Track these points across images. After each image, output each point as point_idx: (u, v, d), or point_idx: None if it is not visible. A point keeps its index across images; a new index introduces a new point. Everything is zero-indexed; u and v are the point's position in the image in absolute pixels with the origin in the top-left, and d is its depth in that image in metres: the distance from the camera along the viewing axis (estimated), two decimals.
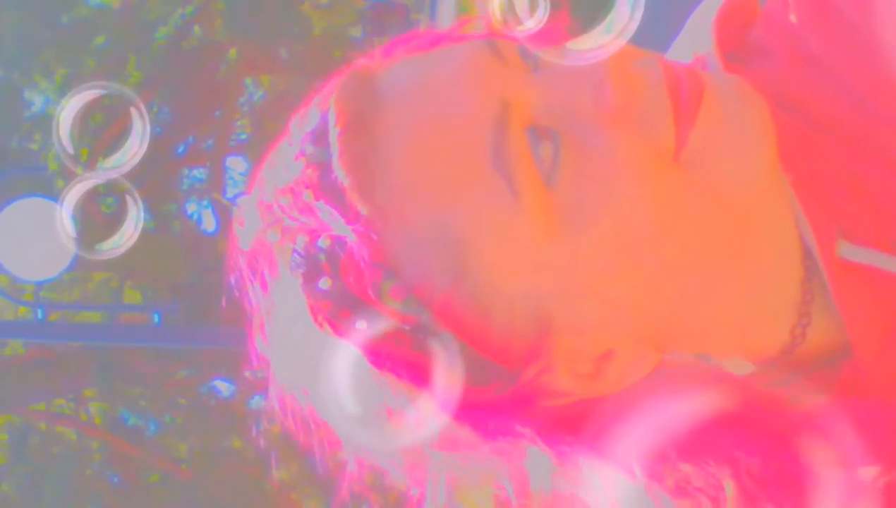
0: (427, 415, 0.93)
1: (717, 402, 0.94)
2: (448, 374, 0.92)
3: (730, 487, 0.95)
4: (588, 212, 0.90)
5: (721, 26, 1.00)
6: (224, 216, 10.42)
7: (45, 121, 10.18)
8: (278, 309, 0.96)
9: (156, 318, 6.63)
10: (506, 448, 0.95)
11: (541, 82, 0.92)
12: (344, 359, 0.93)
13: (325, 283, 0.91)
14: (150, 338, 7.03)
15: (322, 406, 0.95)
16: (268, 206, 0.95)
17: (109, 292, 10.56)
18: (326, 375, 0.94)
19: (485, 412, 0.94)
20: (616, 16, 0.88)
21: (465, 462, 0.97)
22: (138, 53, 9.97)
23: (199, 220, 10.56)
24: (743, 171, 0.92)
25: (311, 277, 0.92)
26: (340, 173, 0.91)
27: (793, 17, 1.00)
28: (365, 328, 0.92)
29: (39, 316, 6.71)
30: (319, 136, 0.93)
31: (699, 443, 0.94)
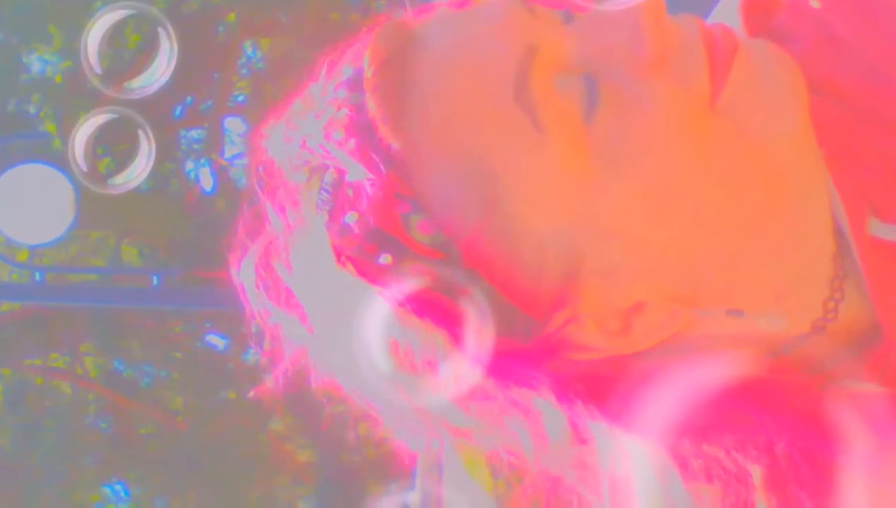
0: (451, 361, 0.91)
1: (746, 383, 0.91)
2: (473, 317, 0.90)
3: (757, 472, 0.93)
4: (625, 152, 0.89)
5: (746, 12, 1.00)
6: (222, 176, 10.43)
7: (42, 85, 10.16)
8: (299, 251, 0.94)
9: (155, 281, 6.64)
10: (523, 401, 0.92)
11: (574, 33, 0.91)
12: (365, 303, 0.91)
13: (351, 218, 0.90)
14: (149, 300, 7.01)
15: (341, 355, 0.93)
16: (296, 147, 0.93)
17: (107, 250, 10.53)
18: (347, 322, 0.91)
19: (506, 360, 0.91)
20: None
21: (479, 413, 0.93)
22: (137, 17, 9.85)
23: (198, 180, 10.54)
24: (777, 124, 0.91)
25: (337, 213, 0.91)
26: (372, 107, 0.91)
27: (815, 2, 0.99)
28: (390, 263, 0.90)
29: (37, 278, 6.72)
30: (353, 83, 0.93)
31: (726, 424, 0.92)
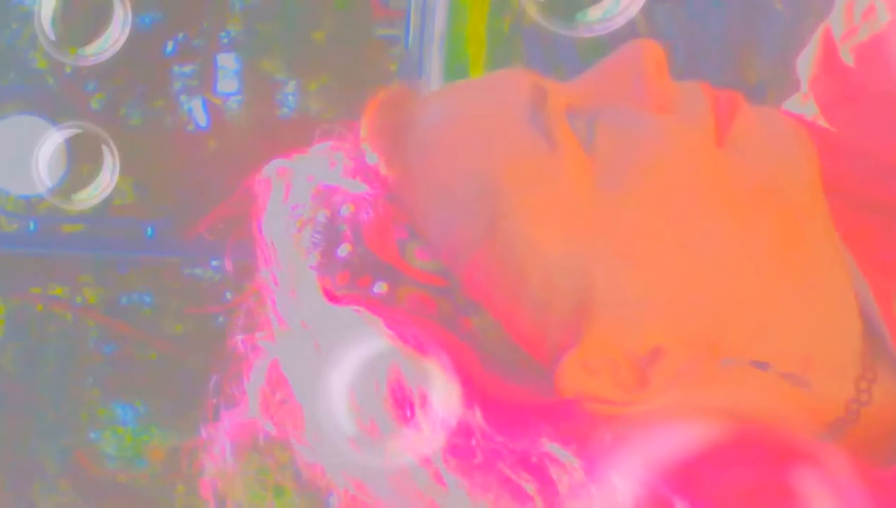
0: (445, 405, 0.84)
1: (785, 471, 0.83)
2: (472, 355, 0.84)
3: None
4: (627, 176, 0.85)
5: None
6: (215, 113, 10.48)
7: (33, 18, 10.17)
8: (286, 308, 0.90)
9: (149, 232, 6.68)
10: (521, 454, 0.84)
11: (574, 85, 0.90)
12: (359, 345, 0.85)
13: (343, 250, 0.86)
14: (144, 250, 6.96)
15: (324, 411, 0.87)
16: (287, 206, 0.90)
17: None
18: (332, 376, 0.86)
19: (505, 409, 0.85)
20: None
21: (474, 469, 0.85)
22: None
23: (191, 116, 10.60)
24: (788, 167, 0.88)
25: (329, 250, 0.87)
26: (368, 140, 0.89)
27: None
28: (385, 292, 0.85)
29: (31, 227, 6.81)
30: (351, 140, 0.91)
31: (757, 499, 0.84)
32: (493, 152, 0.87)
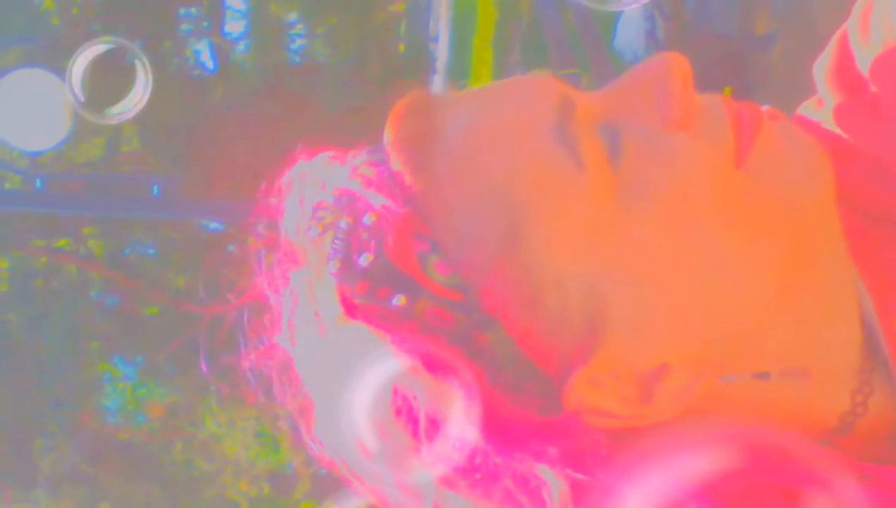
0: (457, 420, 0.86)
1: (777, 462, 0.86)
2: (487, 369, 0.86)
3: None
4: (649, 196, 0.87)
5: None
6: (222, 55, 10.36)
7: None
8: (305, 315, 0.90)
9: (155, 190, 6.63)
10: (527, 470, 0.86)
11: (602, 95, 0.91)
12: (372, 359, 0.86)
13: (365, 260, 0.87)
14: (150, 210, 7.03)
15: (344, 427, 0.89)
16: (308, 207, 0.91)
17: (107, 129, 10.55)
18: (350, 389, 0.87)
19: (515, 425, 0.87)
20: None
21: (481, 485, 0.87)
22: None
23: (198, 59, 10.50)
24: (803, 192, 0.89)
25: (350, 259, 0.88)
26: (393, 150, 0.89)
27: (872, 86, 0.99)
28: (403, 305, 0.87)
29: (38, 185, 6.71)
30: (373, 148, 0.91)
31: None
32: (518, 167, 0.87)
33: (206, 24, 10.47)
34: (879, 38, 0.99)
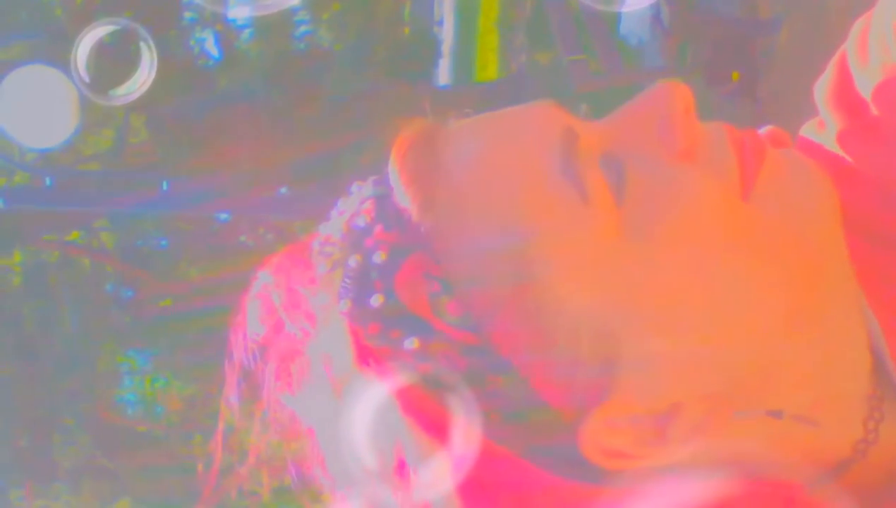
0: (466, 449, 0.86)
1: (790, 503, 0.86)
2: (501, 411, 0.86)
3: None
4: (654, 234, 0.86)
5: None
6: (226, 44, 10.33)
7: None
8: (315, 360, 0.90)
9: (164, 185, 6.62)
10: None
11: (606, 126, 0.91)
12: (380, 403, 0.86)
13: (376, 301, 0.87)
14: (159, 204, 7.03)
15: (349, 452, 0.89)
16: (316, 245, 0.91)
17: (115, 120, 10.53)
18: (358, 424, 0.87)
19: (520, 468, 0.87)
20: None
21: None
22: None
23: (203, 48, 10.47)
24: (810, 223, 0.89)
25: (361, 299, 0.87)
26: (400, 186, 0.89)
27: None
28: (416, 348, 0.86)
29: (48, 183, 6.71)
30: (381, 183, 0.90)
31: None
32: (525, 205, 0.86)
33: (209, 12, 10.44)
34: (877, 59, 0.99)
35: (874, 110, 0.99)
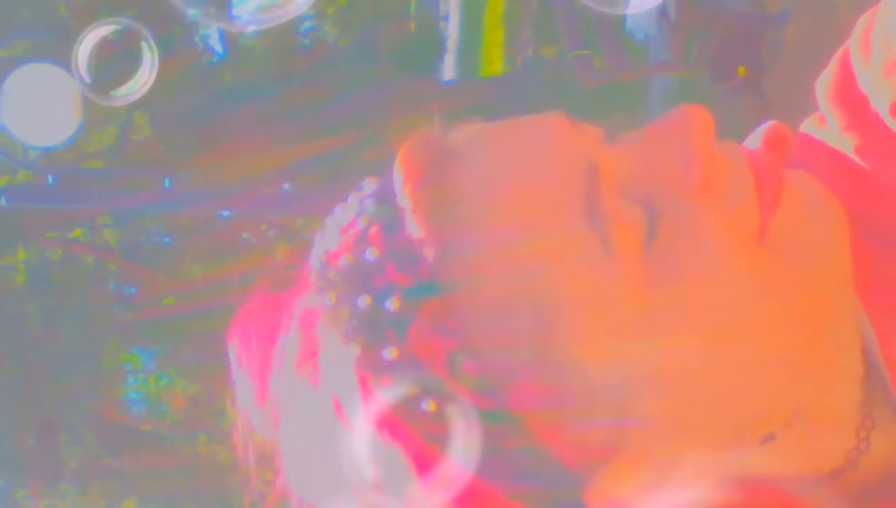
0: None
1: None
2: (510, 467, 0.84)
3: None
4: (677, 289, 0.84)
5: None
6: (231, 39, 10.31)
7: None
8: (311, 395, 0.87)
9: (167, 183, 6.60)
10: None
11: (624, 154, 0.87)
12: (392, 459, 0.83)
13: (390, 353, 0.83)
14: (161, 202, 7.02)
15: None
16: (318, 271, 0.86)
17: (118, 118, 10.53)
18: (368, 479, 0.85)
19: None
20: None
21: None
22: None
23: (207, 44, 10.46)
24: (823, 260, 0.88)
25: (372, 347, 0.83)
26: (414, 227, 0.84)
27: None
28: (431, 410, 0.83)
29: (50, 181, 6.69)
30: (384, 196, 0.86)
31: None
32: (546, 258, 0.83)
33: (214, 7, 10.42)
34: (880, 57, 0.97)
35: (883, 116, 0.97)
